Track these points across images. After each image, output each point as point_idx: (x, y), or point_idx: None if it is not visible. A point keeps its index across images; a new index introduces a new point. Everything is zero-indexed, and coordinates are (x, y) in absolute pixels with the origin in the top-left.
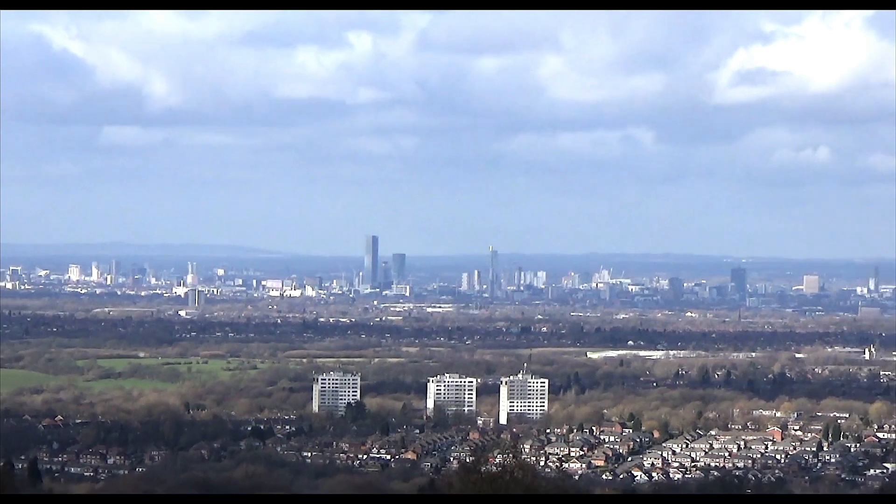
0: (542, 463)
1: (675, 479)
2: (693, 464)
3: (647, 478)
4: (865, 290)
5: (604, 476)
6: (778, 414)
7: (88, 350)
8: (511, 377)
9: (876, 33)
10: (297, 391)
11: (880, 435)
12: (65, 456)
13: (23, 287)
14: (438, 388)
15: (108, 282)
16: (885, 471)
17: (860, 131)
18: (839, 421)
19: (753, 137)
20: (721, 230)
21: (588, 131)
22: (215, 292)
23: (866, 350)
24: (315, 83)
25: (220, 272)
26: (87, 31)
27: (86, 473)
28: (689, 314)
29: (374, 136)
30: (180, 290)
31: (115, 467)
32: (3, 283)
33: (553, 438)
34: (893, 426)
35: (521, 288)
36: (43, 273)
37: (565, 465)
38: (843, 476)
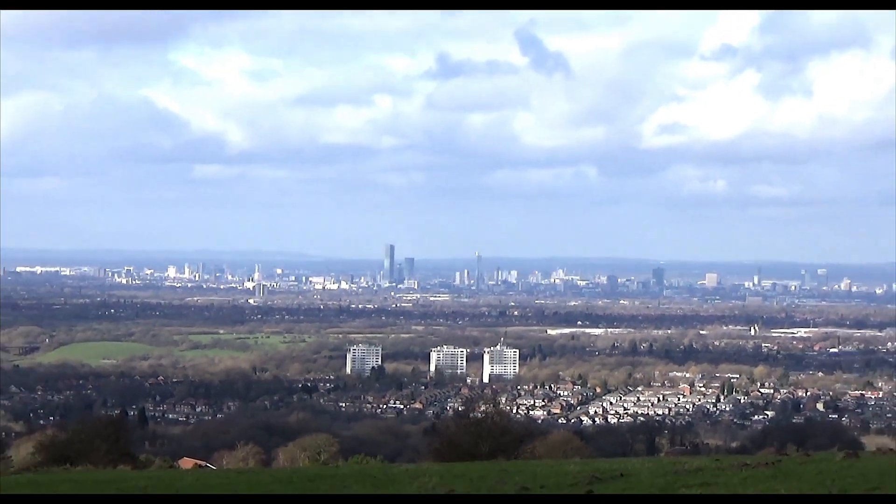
0: (514, 411)
1: (612, 422)
2: (625, 411)
3: (591, 422)
4: (751, 284)
5: (559, 420)
6: (687, 375)
7: (182, 328)
8: (491, 348)
9: (762, 97)
10: (335, 358)
11: (762, 390)
12: (164, 406)
13: (134, 282)
14: (438, 356)
15: (196, 278)
16: (765, 416)
17: (747, 169)
18: (732, 380)
19: (670, 172)
20: (645, 239)
21: (549, 168)
22: (275, 286)
23: (751, 328)
24: (349, 132)
25: (279, 271)
26: (183, 94)
27: (179, 419)
28: (622, 302)
29: (392, 171)
30: (249, 285)
31: (201, 414)
32: (120, 279)
33: (522, 393)
34: (771, 384)
35: (499, 283)
36: (149, 272)
37: (531, 413)
38: (734, 420)
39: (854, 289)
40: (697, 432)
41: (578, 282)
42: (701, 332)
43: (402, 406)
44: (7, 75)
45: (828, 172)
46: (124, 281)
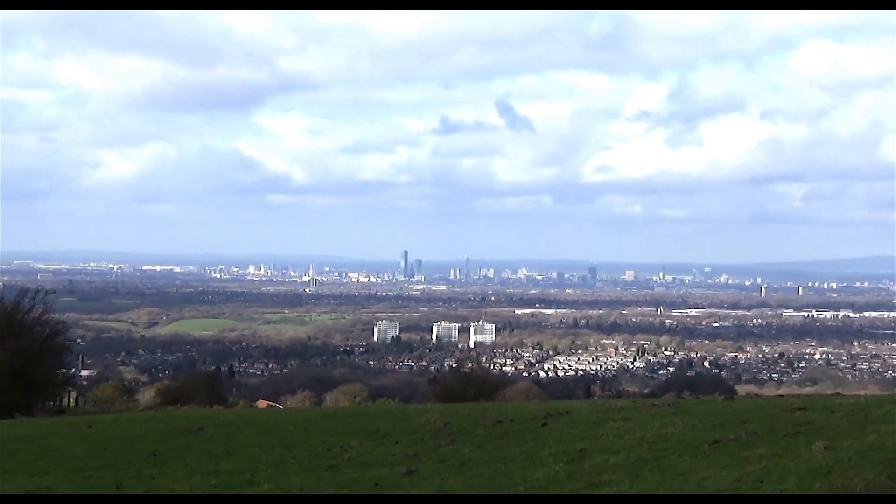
0: (491, 367)
1: (560, 375)
2: (569, 368)
3: (545, 375)
4: (658, 278)
5: (523, 374)
6: (613, 342)
7: (258, 309)
8: (476, 323)
9: (668, 147)
10: (365, 330)
11: (665, 353)
12: (246, 364)
13: (225, 276)
14: (438, 328)
15: (269, 274)
16: (667, 371)
17: (655, 197)
18: (644, 346)
19: (602, 200)
20: (584, 247)
21: (517, 196)
22: (323, 280)
23: (658, 309)
24: (377, 172)
25: (326, 269)
26: (261, 145)
27: (256, 373)
28: (567, 291)
29: (407, 199)
30: (306, 279)
31: (271, 370)
32: (215, 275)
33: (497, 354)
34: (671, 349)
35: (481, 277)
36: (235, 269)
37: (503, 369)
38: (646, 374)
39: (730, 281)
40: (620, 382)
41: (537, 276)
42: (622, 312)
43: (412, 364)
44: (139, 131)
45: (712, 199)
46: (218, 276)
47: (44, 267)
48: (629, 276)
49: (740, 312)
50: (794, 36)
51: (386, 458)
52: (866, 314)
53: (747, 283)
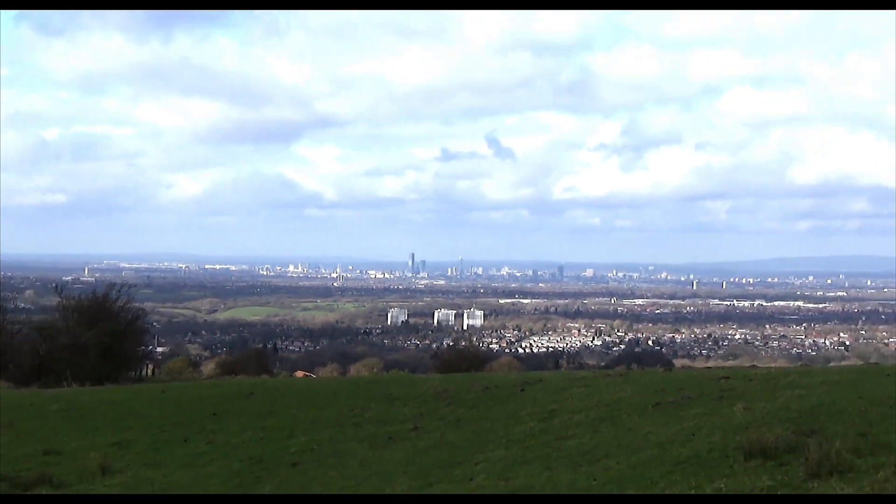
0: (480, 345)
1: (535, 351)
2: (542, 346)
3: (523, 351)
4: (612, 275)
5: (505, 350)
6: (576, 325)
7: (296, 299)
8: (468, 310)
9: (621, 172)
10: (381, 315)
11: (618, 334)
12: (286, 343)
13: (270, 273)
14: (439, 315)
15: (304, 272)
16: (619, 348)
17: (611, 212)
18: (601, 328)
19: (568, 214)
20: (555, 250)
21: (501, 211)
22: (348, 276)
23: (612, 300)
24: (392, 191)
25: (350, 268)
26: (300, 170)
27: (295, 349)
28: (540, 285)
29: (414, 213)
30: (334, 275)
31: (307, 347)
32: (263, 272)
33: (485, 335)
34: (623, 330)
35: (473, 275)
36: (278, 268)
37: (490, 346)
38: (602, 351)
39: (668, 277)
40: (582, 357)
41: (516, 273)
42: (584, 301)
43: (418, 342)
44: (203, 159)
45: (655, 213)
46: (265, 273)
47: (127, 266)
48: (589, 273)
49: (677, 302)
50: (721, 83)
51: (397, 417)
52: (776, 303)
53: (682, 279)
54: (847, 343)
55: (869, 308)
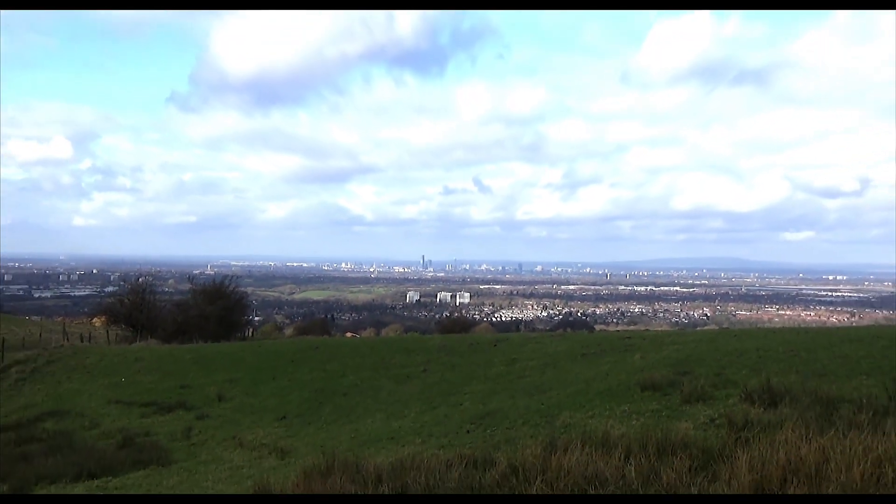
0: (467, 316)
1: (503, 320)
2: (509, 317)
3: (496, 320)
4: (554, 269)
5: (484, 320)
6: (531, 303)
7: (347, 286)
8: (460, 293)
9: (561, 202)
10: (402, 296)
11: (559, 308)
12: (340, 314)
13: (326, 269)
14: (440, 296)
15: (352, 268)
16: (559, 318)
17: (554, 227)
18: (546, 304)
19: (525, 229)
20: (517, 253)
21: (482, 227)
22: (380, 270)
23: (554, 286)
24: (410, 214)
25: (381, 265)
26: (350, 201)
27: (346, 318)
28: (506, 276)
29: (425, 228)
30: (372, 270)
31: (353, 317)
32: (325, 268)
33: (471, 309)
34: (561, 306)
35: (462, 269)
36: (334, 266)
37: (473, 316)
38: (548, 319)
39: (591, 271)
40: (534, 324)
41: (491, 269)
42: (535, 287)
43: (426, 314)
44: (285, 193)
45: (584, 229)
46: (326, 268)
47: (235, 263)
48: (539, 268)
49: (596, 287)
50: (628, 144)
51: (412, 363)
52: (662, 289)
53: (600, 272)
54: (708, 315)
55: (723, 292)
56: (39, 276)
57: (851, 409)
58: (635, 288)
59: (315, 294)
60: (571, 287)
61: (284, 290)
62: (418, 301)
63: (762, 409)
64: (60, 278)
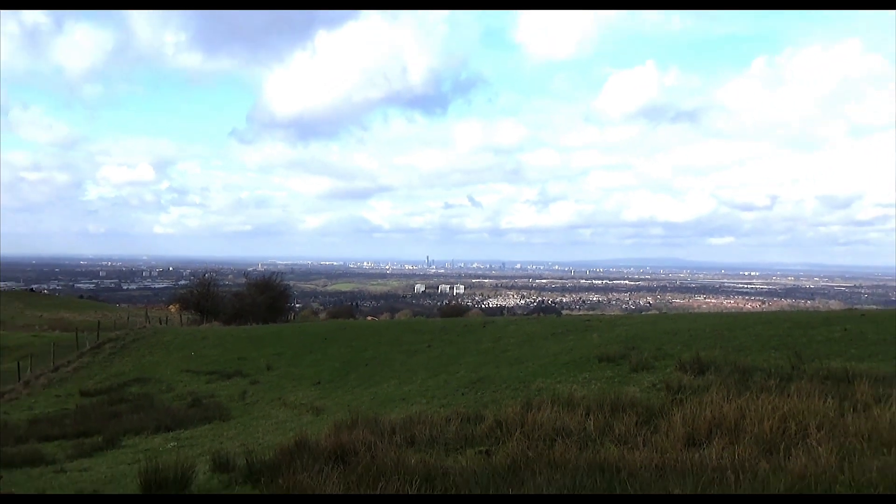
0: (462, 303)
1: (491, 307)
2: (494, 305)
3: (485, 307)
4: (531, 267)
5: (476, 306)
6: (512, 293)
7: (368, 280)
8: (456, 285)
9: (536, 215)
10: (411, 288)
11: (533, 297)
12: (362, 301)
13: (351, 268)
14: (441, 287)
15: (373, 267)
16: (534, 305)
17: (531, 234)
18: (524, 294)
19: (508, 236)
20: (501, 254)
21: (474, 234)
22: (394, 268)
23: (530, 279)
24: (417, 224)
25: (395, 264)
26: (370, 214)
27: (367, 305)
28: (493, 272)
29: (430, 234)
30: (387, 268)
31: (372, 305)
32: (351, 266)
33: (466, 297)
34: (535, 297)
35: (459, 267)
36: (358, 265)
37: (466, 303)
38: (526, 306)
39: (559, 269)
40: (515, 311)
41: (481, 267)
42: (515, 281)
43: (430, 302)
44: (319, 208)
45: (555, 234)
46: (352, 266)
47: (281, 263)
48: (519, 266)
49: (563, 281)
50: (589, 169)
51: (419, 340)
52: (615, 282)
53: (566, 270)
54: (650, 302)
55: (662, 284)
56: (127, 273)
57: (763, 376)
58: (594, 282)
59: (343, 286)
60: (544, 280)
61: (319, 283)
62: (424, 292)
63: (693, 376)
64: (143, 274)
